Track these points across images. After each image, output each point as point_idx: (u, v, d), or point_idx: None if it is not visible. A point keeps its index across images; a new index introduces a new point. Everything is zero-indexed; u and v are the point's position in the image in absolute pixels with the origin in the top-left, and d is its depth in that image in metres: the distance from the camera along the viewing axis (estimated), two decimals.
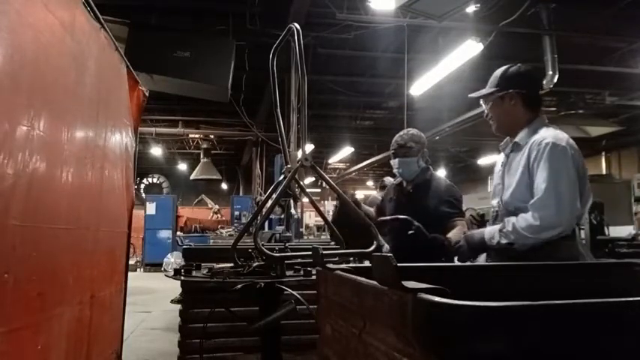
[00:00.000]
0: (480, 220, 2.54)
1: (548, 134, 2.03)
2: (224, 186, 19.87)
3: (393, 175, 3.34)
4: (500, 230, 2.04)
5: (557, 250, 1.93)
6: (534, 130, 2.11)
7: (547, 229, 1.92)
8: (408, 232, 2.49)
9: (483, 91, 2.25)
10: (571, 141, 2.02)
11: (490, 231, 2.12)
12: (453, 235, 2.56)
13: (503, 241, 2.01)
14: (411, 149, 2.88)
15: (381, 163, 14.19)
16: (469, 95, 2.45)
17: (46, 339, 1.69)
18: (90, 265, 2.15)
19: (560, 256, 1.90)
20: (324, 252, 1.46)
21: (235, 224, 12.71)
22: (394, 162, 2.95)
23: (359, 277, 1.07)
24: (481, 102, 2.32)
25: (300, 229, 9.54)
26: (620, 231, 6.41)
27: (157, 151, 15.30)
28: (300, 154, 2.35)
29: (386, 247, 2.99)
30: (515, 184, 2.06)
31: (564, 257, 1.91)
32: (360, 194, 22.04)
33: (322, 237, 12.35)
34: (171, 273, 2.20)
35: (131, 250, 3.88)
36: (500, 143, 2.30)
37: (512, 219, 2.01)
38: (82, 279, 2.05)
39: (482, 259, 2.27)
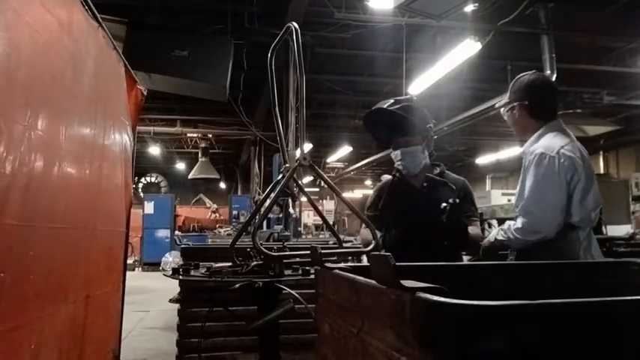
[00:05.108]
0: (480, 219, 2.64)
1: (542, 144, 2.18)
2: (222, 185, 19.85)
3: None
4: (501, 229, 2.27)
5: (553, 251, 2.08)
6: (537, 139, 2.25)
7: (530, 234, 2.10)
8: (441, 206, 2.20)
9: (502, 102, 2.43)
10: (564, 150, 2.13)
11: (494, 232, 2.34)
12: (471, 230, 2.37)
13: (499, 237, 2.22)
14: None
15: (380, 162, 14.21)
16: (496, 105, 2.61)
17: (40, 338, 1.68)
18: (87, 265, 2.15)
19: (554, 256, 2.06)
20: (323, 251, 1.45)
21: (234, 223, 12.70)
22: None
23: (357, 276, 1.06)
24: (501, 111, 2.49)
25: (299, 229, 9.53)
26: (617, 230, 6.42)
27: (155, 150, 15.27)
28: (298, 153, 2.34)
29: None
30: (517, 191, 2.26)
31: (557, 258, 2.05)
32: (358, 193, 22.10)
33: (320, 236, 12.35)
34: (170, 272, 2.19)
35: (129, 249, 3.87)
36: None
37: (511, 222, 2.22)
38: (78, 278, 2.05)
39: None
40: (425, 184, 2.53)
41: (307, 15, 6.03)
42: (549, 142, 2.19)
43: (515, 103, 2.32)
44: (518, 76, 2.38)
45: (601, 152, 13.35)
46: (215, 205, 17.95)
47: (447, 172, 2.62)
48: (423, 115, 2.58)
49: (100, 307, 2.37)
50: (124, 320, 2.97)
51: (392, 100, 2.49)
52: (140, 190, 17.64)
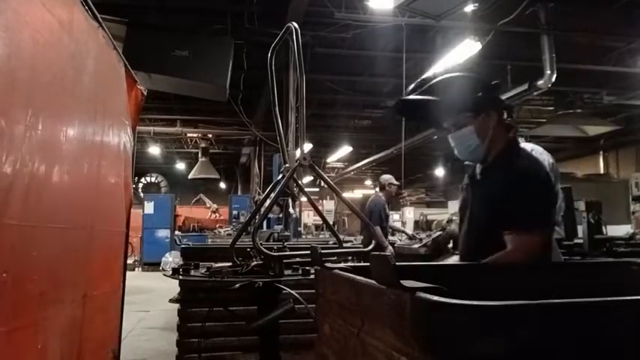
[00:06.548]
0: None
1: (527, 146, 2.42)
2: (222, 185, 19.85)
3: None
4: None
5: None
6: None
7: None
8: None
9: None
10: (546, 155, 2.51)
11: None
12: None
13: None
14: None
15: (380, 162, 14.20)
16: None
17: (42, 338, 1.68)
18: (86, 265, 2.14)
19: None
20: (323, 251, 1.46)
21: (234, 223, 12.69)
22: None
23: (357, 277, 1.06)
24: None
25: (299, 229, 9.53)
26: (617, 230, 6.41)
27: (155, 150, 15.26)
28: (298, 153, 2.35)
29: (390, 249, 2.88)
30: None
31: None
32: (358, 193, 22.09)
33: (320, 236, 12.35)
34: (170, 272, 2.20)
35: (129, 249, 3.87)
36: None
37: None
38: (77, 278, 2.05)
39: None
40: (480, 175, 1.97)
41: (307, 15, 6.02)
42: (533, 146, 2.48)
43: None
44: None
45: (601, 152, 13.34)
46: (215, 205, 17.93)
47: (524, 151, 1.94)
48: (464, 86, 1.85)
49: (99, 307, 2.37)
50: (124, 320, 2.97)
51: (416, 83, 1.91)
52: (140, 190, 17.64)
